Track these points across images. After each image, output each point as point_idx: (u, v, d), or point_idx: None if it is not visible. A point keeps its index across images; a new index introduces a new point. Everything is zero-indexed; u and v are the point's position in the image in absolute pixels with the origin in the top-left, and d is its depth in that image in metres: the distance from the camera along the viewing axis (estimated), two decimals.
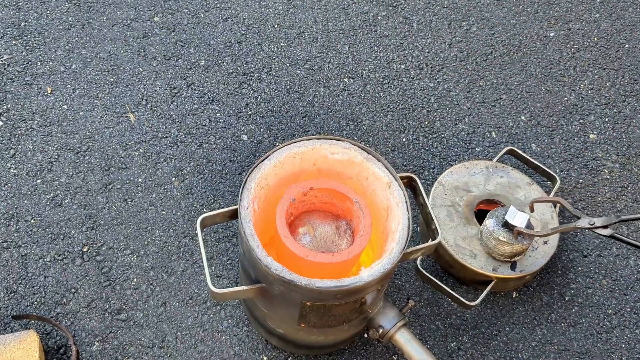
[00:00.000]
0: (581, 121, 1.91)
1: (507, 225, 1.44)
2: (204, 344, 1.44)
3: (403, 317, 1.32)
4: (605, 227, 1.21)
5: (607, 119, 1.91)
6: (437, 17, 2.10)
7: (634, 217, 1.18)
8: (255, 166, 1.22)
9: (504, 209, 1.47)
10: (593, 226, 1.25)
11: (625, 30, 2.13)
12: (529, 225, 1.42)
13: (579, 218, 1.29)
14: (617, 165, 1.80)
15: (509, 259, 1.48)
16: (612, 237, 1.18)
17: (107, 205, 1.63)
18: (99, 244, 1.57)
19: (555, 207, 1.63)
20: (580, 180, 1.78)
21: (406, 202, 1.21)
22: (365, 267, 1.15)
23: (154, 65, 1.92)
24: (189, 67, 1.93)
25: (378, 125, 1.85)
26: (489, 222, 1.46)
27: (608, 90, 1.98)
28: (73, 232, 1.58)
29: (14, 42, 1.92)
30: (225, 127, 1.80)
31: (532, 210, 1.47)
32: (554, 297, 1.58)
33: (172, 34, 1.99)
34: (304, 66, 1.97)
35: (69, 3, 2.00)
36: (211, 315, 1.48)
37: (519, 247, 1.45)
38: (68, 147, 1.72)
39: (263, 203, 1.26)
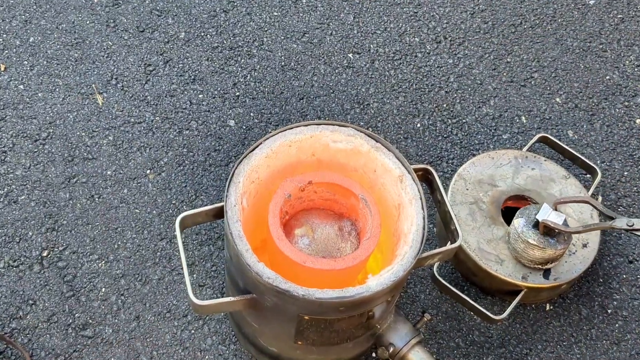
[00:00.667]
0: (626, 104, 1.91)
1: (539, 226, 1.42)
2: None
3: (417, 334, 1.32)
4: None
5: None
6: None
7: None
8: (244, 156, 1.22)
9: (536, 207, 1.46)
10: (632, 228, 1.26)
11: None
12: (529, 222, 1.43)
13: (613, 219, 1.30)
14: None
15: (540, 266, 1.46)
16: None
17: (71, 202, 1.63)
18: (61, 248, 1.56)
19: (597, 197, 1.62)
20: (625, 173, 1.78)
21: (421, 198, 1.22)
22: (373, 275, 1.15)
23: (126, 38, 1.92)
24: (166, 40, 1.92)
25: (388, 108, 1.85)
26: (518, 222, 1.45)
27: None
28: (30, 233, 1.58)
29: None
30: (209, 111, 1.81)
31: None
32: (595, 309, 1.57)
33: (147, 1, 2.00)
34: (301, 39, 1.97)
35: None
36: (192, 332, 1.48)
37: (551, 252, 1.43)
38: (25, 134, 1.72)
39: (253, 200, 1.26)
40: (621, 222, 1.29)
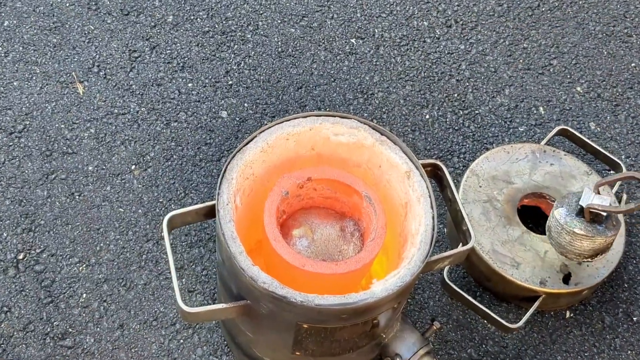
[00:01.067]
0: None
1: (584, 214, 1.38)
2: None
3: (426, 343, 1.32)
4: None
5: None
6: None
7: None
8: (238, 151, 1.22)
9: (577, 194, 1.43)
10: None
11: None
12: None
13: None
14: None
15: (589, 260, 1.43)
16: None
17: (49, 200, 1.62)
18: (38, 250, 1.56)
19: (621, 196, 1.62)
20: None
21: (430, 196, 1.21)
22: (378, 280, 1.15)
23: (109, 22, 1.92)
24: (152, 24, 1.92)
25: (394, 98, 1.85)
26: (559, 212, 1.41)
27: None
28: (5, 234, 1.58)
29: None
30: (199, 101, 1.80)
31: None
32: (619, 317, 1.57)
33: None
34: (300, 23, 1.96)
35: None
36: (181, 341, 1.48)
37: (602, 241, 1.39)
38: None
39: (248, 198, 1.26)
40: None
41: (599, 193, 1.40)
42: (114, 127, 1.75)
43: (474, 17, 2.02)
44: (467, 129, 1.82)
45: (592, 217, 1.38)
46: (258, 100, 1.82)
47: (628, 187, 1.74)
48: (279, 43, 1.93)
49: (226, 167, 1.20)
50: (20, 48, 1.85)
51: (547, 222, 1.47)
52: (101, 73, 1.83)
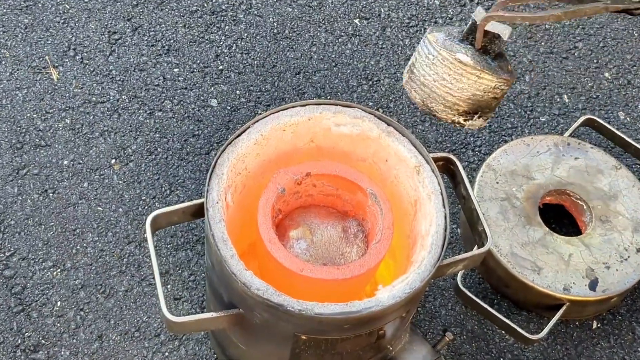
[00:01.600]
0: None
1: (473, 37, 1.11)
2: None
3: (438, 357, 1.32)
4: None
5: None
6: None
7: None
8: (229, 143, 1.22)
9: (458, 27, 1.15)
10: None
11: None
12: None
13: None
14: None
15: (463, 116, 1.15)
16: None
17: (20, 198, 1.63)
18: (7, 253, 1.57)
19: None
20: None
21: (442, 193, 1.21)
22: (384, 286, 1.15)
23: (86, 0, 1.91)
24: (134, 3, 1.92)
25: (402, 85, 1.84)
26: (435, 36, 1.12)
27: None
28: None
29: None
30: (186, 88, 1.80)
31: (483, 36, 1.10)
32: None
33: None
34: (298, 1, 1.97)
35: None
36: (166, 354, 1.48)
37: (488, 82, 1.10)
38: None
39: (240, 195, 1.26)
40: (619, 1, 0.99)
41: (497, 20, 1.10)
42: (91, 117, 1.75)
43: None
44: None
45: (485, 45, 1.11)
46: (251, 87, 1.82)
47: None
48: (275, 24, 1.92)
49: (216, 162, 1.20)
50: None
51: (411, 59, 1.18)
52: (77, 57, 1.83)
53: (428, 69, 1.13)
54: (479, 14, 1.08)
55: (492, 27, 1.09)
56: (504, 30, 1.09)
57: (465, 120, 1.14)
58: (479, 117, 1.14)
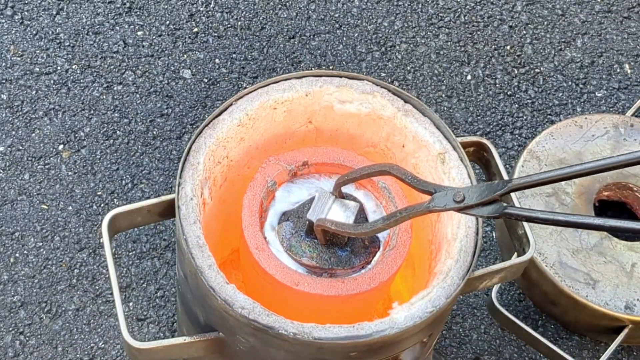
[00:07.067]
0: None
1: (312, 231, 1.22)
2: None
3: None
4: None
5: None
6: None
7: None
8: (206, 125, 1.22)
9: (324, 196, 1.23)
10: (462, 205, 1.13)
11: None
12: (359, 220, 1.21)
13: (432, 193, 1.12)
14: None
15: None
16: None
17: None
18: None
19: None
20: None
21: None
22: (400, 304, 1.15)
23: None
24: None
25: (423, 52, 1.85)
26: (284, 227, 1.25)
27: None
28: None
29: None
30: (152, 56, 1.81)
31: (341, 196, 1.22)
32: None
33: None
34: None
35: None
36: None
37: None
38: None
39: (220, 190, 1.26)
40: (442, 199, 1.10)
41: (343, 197, 1.23)
42: (34, 92, 1.75)
43: None
44: (524, 94, 1.82)
45: (329, 238, 1.23)
46: (234, 55, 1.82)
47: None
48: None
49: (190, 148, 1.20)
50: None
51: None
52: (16, 17, 1.83)
53: None
54: (315, 213, 1.19)
55: (333, 214, 1.19)
56: (341, 217, 1.19)
57: None
58: None
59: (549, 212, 1.19)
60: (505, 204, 1.09)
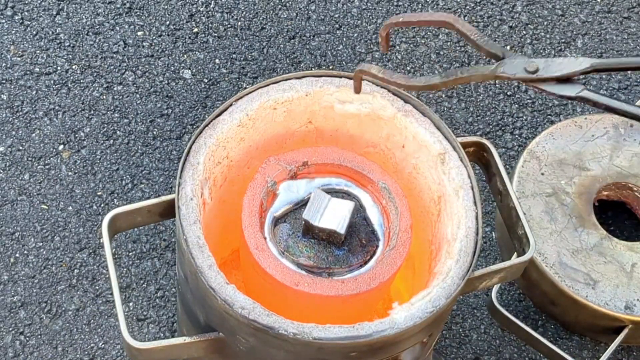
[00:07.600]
0: None
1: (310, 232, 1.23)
2: None
3: None
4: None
5: None
6: None
7: None
8: (206, 125, 1.22)
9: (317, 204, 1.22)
10: (535, 76, 0.99)
11: None
12: (356, 219, 1.23)
13: (501, 58, 1.02)
14: None
15: None
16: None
17: None
18: None
19: None
20: None
21: (473, 188, 1.22)
22: (400, 304, 1.15)
23: None
24: None
25: (423, 52, 1.85)
26: (281, 229, 1.25)
27: None
28: None
29: None
30: (153, 56, 1.81)
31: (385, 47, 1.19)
32: None
33: None
34: None
35: None
36: None
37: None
38: None
39: (220, 190, 1.26)
40: (512, 66, 1.00)
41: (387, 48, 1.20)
42: (34, 92, 1.75)
43: None
44: (525, 94, 1.82)
45: (325, 239, 1.23)
46: (234, 55, 1.82)
47: None
48: None
49: (190, 148, 1.20)
50: None
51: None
52: (16, 17, 1.83)
53: None
54: (311, 214, 1.19)
55: (329, 214, 1.20)
56: (340, 224, 1.20)
57: None
58: None
59: (629, 103, 1.09)
60: (583, 86, 0.98)
